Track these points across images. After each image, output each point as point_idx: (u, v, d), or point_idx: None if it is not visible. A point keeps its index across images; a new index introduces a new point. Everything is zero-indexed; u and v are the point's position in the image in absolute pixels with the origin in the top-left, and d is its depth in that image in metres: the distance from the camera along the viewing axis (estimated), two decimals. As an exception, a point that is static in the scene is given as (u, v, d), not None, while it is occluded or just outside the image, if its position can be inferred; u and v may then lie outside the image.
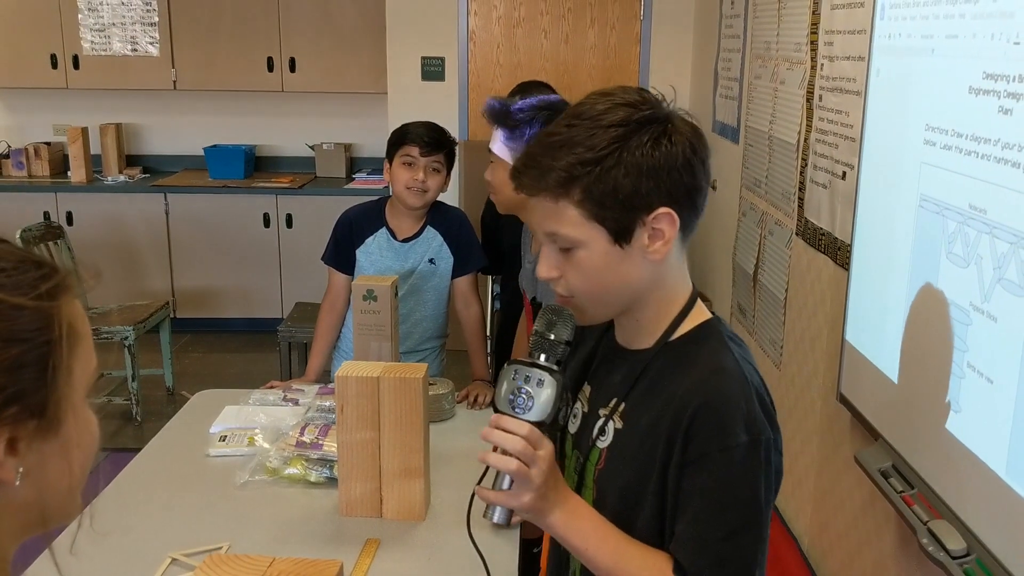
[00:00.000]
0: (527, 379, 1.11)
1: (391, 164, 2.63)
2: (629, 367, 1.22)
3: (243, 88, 5.71)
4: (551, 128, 1.14)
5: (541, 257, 1.18)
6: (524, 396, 1.10)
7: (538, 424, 1.09)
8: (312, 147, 5.90)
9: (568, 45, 5.32)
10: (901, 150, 2.21)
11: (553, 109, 2.07)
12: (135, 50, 5.58)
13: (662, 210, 1.13)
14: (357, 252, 2.67)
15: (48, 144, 5.79)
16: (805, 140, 3.13)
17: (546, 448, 1.09)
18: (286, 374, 4.27)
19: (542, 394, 1.10)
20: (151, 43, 5.57)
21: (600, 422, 1.23)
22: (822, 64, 2.97)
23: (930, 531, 1.91)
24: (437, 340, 2.77)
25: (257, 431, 2.24)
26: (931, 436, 2.01)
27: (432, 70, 5.32)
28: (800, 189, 3.17)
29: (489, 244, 2.92)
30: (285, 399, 2.45)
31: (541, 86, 3.06)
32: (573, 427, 1.29)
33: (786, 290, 3.33)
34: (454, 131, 5.33)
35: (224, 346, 5.55)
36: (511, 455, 1.08)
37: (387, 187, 5.41)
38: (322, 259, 2.76)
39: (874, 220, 2.41)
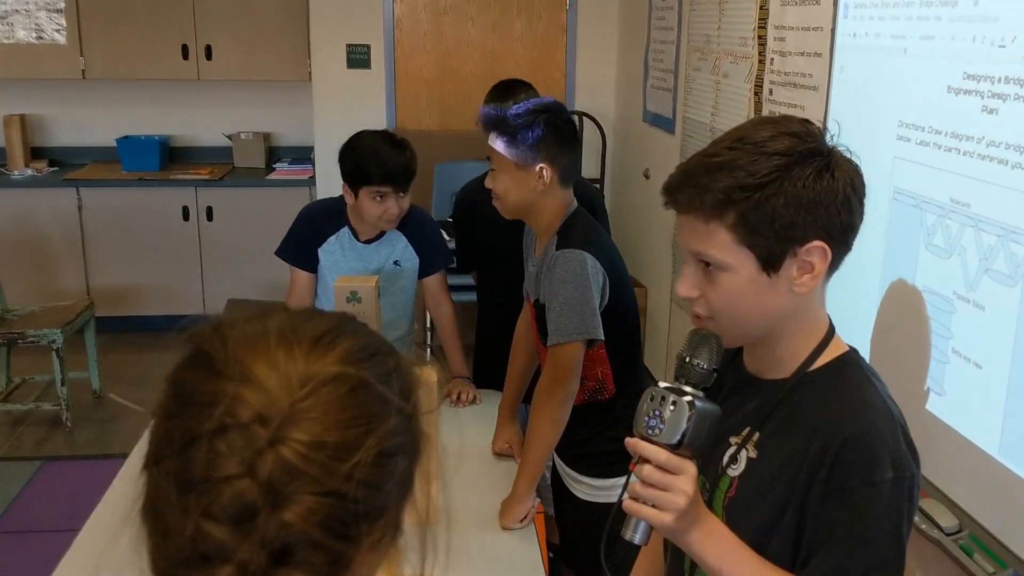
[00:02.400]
0: (663, 402, 1.10)
1: (355, 193, 2.50)
2: (765, 397, 1.21)
3: (157, 77, 5.50)
4: (711, 148, 1.14)
5: (682, 275, 1.18)
6: (658, 419, 1.10)
7: (674, 447, 1.09)
8: (229, 137, 5.73)
9: (495, 34, 5.32)
10: (871, 145, 2.30)
11: (551, 112, 2.08)
12: (40, 38, 5.30)
13: (816, 243, 1.12)
14: (319, 251, 2.61)
15: (-56, 136, 5.46)
16: (754, 132, 3.22)
17: (688, 472, 1.09)
18: (225, 373, 4.15)
19: (676, 418, 1.09)
20: (57, 30, 5.30)
21: (732, 450, 1.23)
22: (772, 59, 3.06)
23: (921, 510, 2.01)
24: (406, 338, 2.76)
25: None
26: (909, 418, 2.11)
27: (358, 57, 5.24)
28: (749, 179, 3.26)
29: (465, 244, 2.90)
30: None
31: (522, 84, 3.04)
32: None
33: (735, 277, 3.43)
34: (381, 120, 5.29)
35: (147, 345, 5.34)
36: (650, 483, 1.09)
37: (312, 177, 5.36)
38: (276, 253, 2.68)
39: (839, 211, 2.50)
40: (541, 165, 2.05)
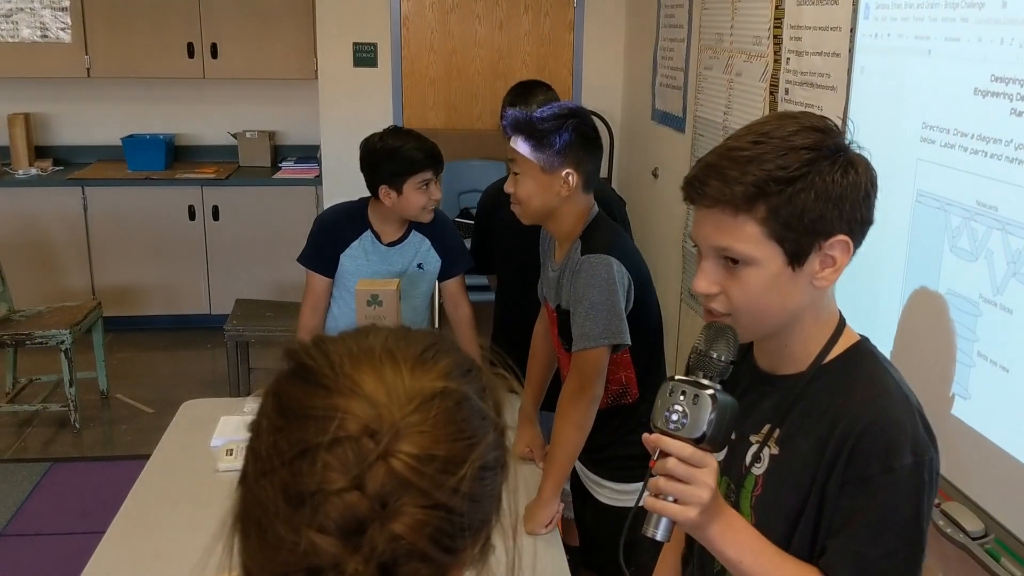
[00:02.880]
0: (684, 395, 1.10)
1: (399, 190, 2.50)
2: (782, 393, 1.22)
3: (162, 75, 5.47)
4: (733, 143, 1.14)
5: (700, 271, 1.17)
6: (679, 414, 1.09)
7: (696, 441, 1.09)
8: (235, 135, 5.71)
9: (503, 31, 5.30)
10: (893, 146, 2.29)
11: (578, 116, 2.06)
12: (45, 36, 5.27)
13: (840, 238, 1.14)
14: (342, 256, 2.60)
15: (-52, 136, 5.43)
16: (768, 131, 3.21)
17: (710, 466, 1.09)
18: (234, 376, 4.14)
19: (699, 411, 1.08)
20: (62, 29, 5.27)
21: (754, 449, 1.23)
22: (788, 58, 3.05)
23: (945, 513, 2.01)
24: None
25: (265, 443, 2.18)
26: (934, 421, 2.10)
27: (364, 56, 5.22)
28: (763, 179, 3.25)
29: (481, 244, 2.88)
30: (283, 407, 2.39)
31: (540, 85, 3.02)
32: (720, 454, 1.29)
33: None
34: (388, 118, 5.27)
35: (152, 345, 5.34)
36: (674, 477, 1.08)
37: (318, 176, 5.33)
38: (299, 260, 2.67)
39: (859, 212, 2.49)
40: (567, 170, 2.04)
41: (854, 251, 1.17)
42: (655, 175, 4.71)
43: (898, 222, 2.25)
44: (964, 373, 1.99)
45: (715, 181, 1.12)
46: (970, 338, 1.97)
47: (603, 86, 5.35)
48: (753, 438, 1.24)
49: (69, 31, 5.27)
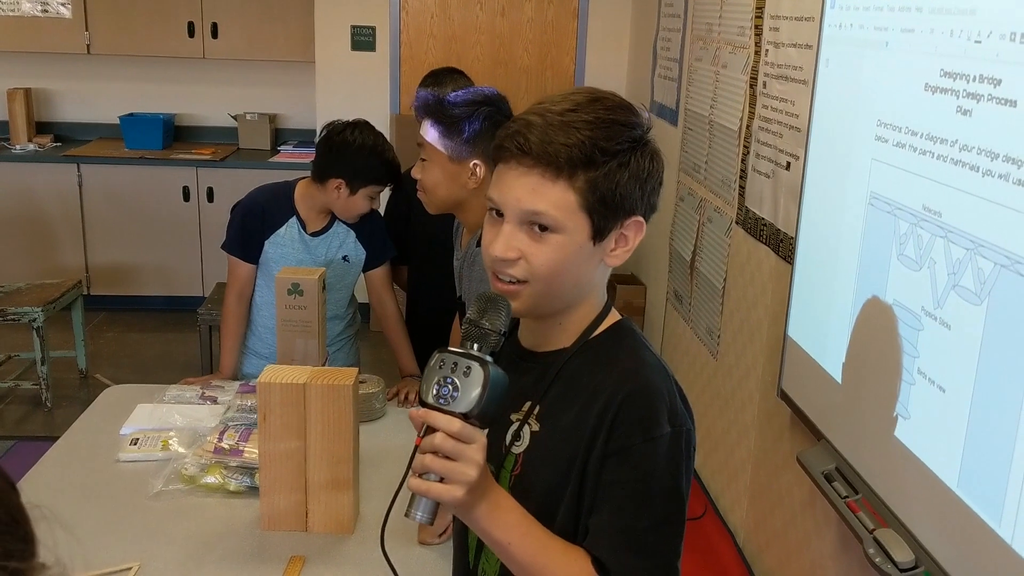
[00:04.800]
0: (454, 368, 1.03)
1: (352, 191, 2.41)
2: (542, 369, 1.19)
3: (162, 54, 5.43)
4: (556, 107, 1.10)
5: (500, 234, 1.11)
6: (450, 387, 1.02)
7: (465, 415, 1.02)
8: (235, 117, 5.66)
9: (504, 18, 5.17)
10: (850, 144, 2.14)
11: (492, 104, 1.93)
12: (45, 11, 5.25)
13: (638, 218, 1.15)
14: (266, 243, 2.49)
15: (-51, 109, 5.44)
16: (748, 127, 3.06)
17: (478, 442, 1.03)
18: (206, 360, 4.08)
19: (470, 384, 1.02)
20: (63, 4, 5.24)
21: (514, 427, 1.19)
22: (767, 50, 2.90)
23: (876, 540, 1.87)
24: (349, 331, 2.65)
25: (172, 434, 2.09)
26: (878, 441, 1.96)
27: (362, 40, 5.13)
28: (741, 177, 3.11)
29: (400, 234, 2.70)
30: (203, 397, 2.30)
31: (454, 73, 2.89)
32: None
33: (724, 279, 3.28)
34: (385, 104, 5.18)
35: (142, 325, 5.31)
36: (441, 453, 1.02)
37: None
38: (223, 247, 2.54)
39: (820, 215, 2.34)
40: (476, 161, 1.91)
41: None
42: (650, 170, 4.56)
43: (852, 225, 2.11)
44: (906, 392, 1.85)
45: (539, 140, 1.08)
46: (912, 354, 1.83)
47: (606, 76, 5.20)
48: (513, 416, 1.19)
49: (69, 6, 5.24)
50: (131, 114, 5.56)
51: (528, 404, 1.18)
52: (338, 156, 2.41)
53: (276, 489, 1.78)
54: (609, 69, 5.20)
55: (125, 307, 5.44)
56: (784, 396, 2.53)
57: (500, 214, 1.12)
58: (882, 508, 1.94)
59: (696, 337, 3.64)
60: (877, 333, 2.00)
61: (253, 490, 1.88)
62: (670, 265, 4.08)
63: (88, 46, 5.33)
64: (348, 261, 2.52)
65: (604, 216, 1.11)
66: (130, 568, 1.66)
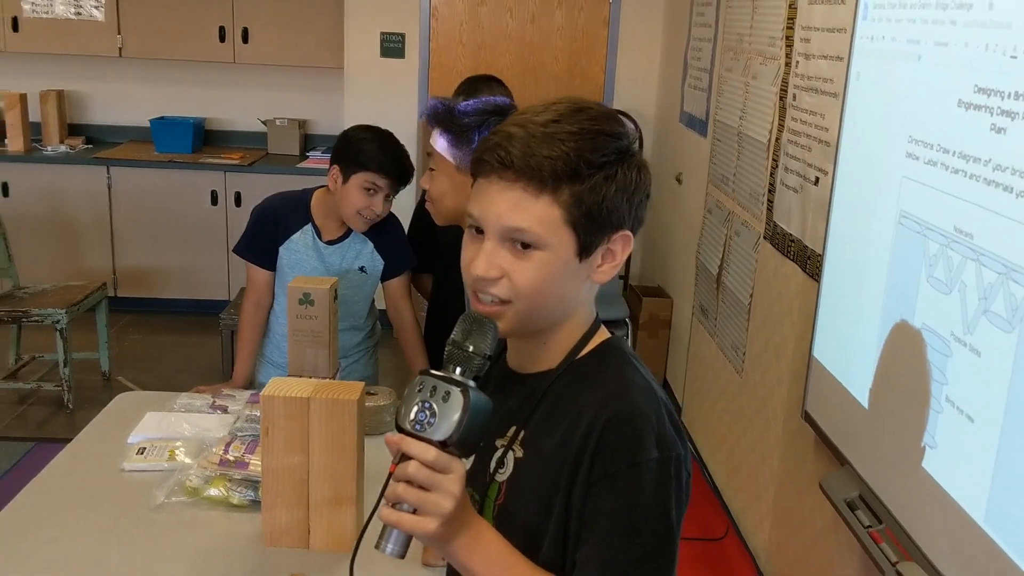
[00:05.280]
0: (433, 392, 0.98)
1: (344, 179, 2.36)
2: (527, 391, 1.13)
3: (193, 58, 5.45)
4: (538, 117, 1.05)
5: (481, 252, 1.06)
6: (428, 412, 0.98)
7: (443, 443, 0.97)
8: (264, 122, 5.66)
9: (534, 25, 5.13)
10: (881, 161, 2.07)
11: (502, 113, 1.88)
12: (79, 13, 5.28)
13: (625, 233, 1.10)
14: (281, 249, 2.46)
15: (-15, 110, 5.49)
16: (776, 140, 2.99)
17: (456, 472, 0.98)
18: (227, 365, 4.06)
19: (448, 410, 0.97)
20: (96, 7, 5.27)
21: (498, 454, 1.14)
22: (797, 61, 2.83)
23: (899, 574, 1.79)
24: (368, 341, 2.60)
25: (179, 444, 2.06)
26: (903, 470, 1.89)
27: (392, 47, 5.11)
28: (770, 191, 3.03)
29: (426, 244, 2.64)
30: (213, 406, 2.27)
31: (491, 81, 2.83)
32: (468, 461, 1.19)
33: (751, 295, 3.20)
34: (413, 111, 5.16)
35: (166, 328, 5.32)
36: (415, 483, 0.97)
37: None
38: (235, 251, 2.53)
39: (849, 232, 2.27)
40: None
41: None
42: (679, 181, 4.50)
43: (881, 245, 2.03)
44: (933, 420, 1.77)
45: (522, 153, 1.03)
46: (940, 380, 1.76)
47: (637, 85, 5.14)
48: (499, 442, 1.14)
49: (102, 9, 5.28)
50: (162, 117, 5.58)
51: (513, 429, 1.13)
52: (340, 146, 2.40)
53: (278, 504, 1.74)
54: (639, 78, 5.14)
55: (151, 309, 5.45)
56: (808, 418, 2.46)
57: (480, 231, 1.07)
58: (906, 540, 1.86)
59: (721, 353, 3.57)
60: (905, 358, 1.92)
61: (257, 504, 1.84)
62: (696, 278, 4.00)
63: (120, 49, 5.36)
64: (365, 272, 2.47)
65: (590, 231, 1.06)
66: (127, 583, 1.62)
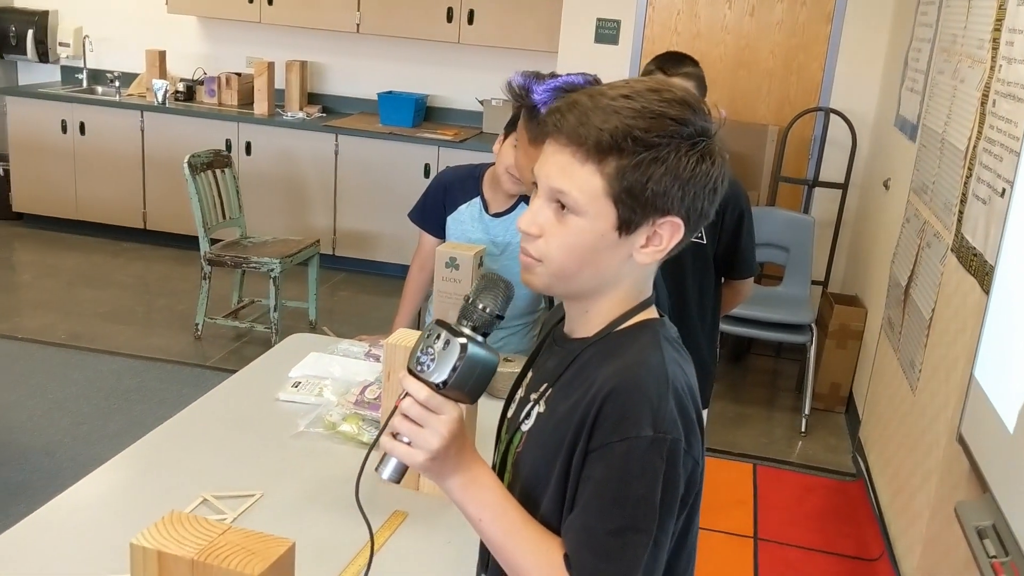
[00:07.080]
0: (437, 339, 1.08)
1: (503, 140, 2.43)
2: (565, 354, 1.19)
3: (422, 36, 5.77)
4: (607, 89, 1.09)
5: (530, 209, 1.12)
6: (428, 357, 1.07)
7: (438, 386, 1.07)
8: (481, 101, 5.90)
9: (753, 18, 5.03)
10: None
11: (575, 91, 1.92)
12: (322, -10, 5.75)
13: (673, 219, 1.09)
14: (448, 218, 2.59)
15: (239, 75, 6.07)
16: (974, 148, 2.81)
17: (448, 414, 1.07)
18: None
19: (446, 357, 1.07)
20: (341, -16, 5.72)
21: (529, 406, 1.21)
22: (1000, 65, 2.65)
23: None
24: (529, 316, 2.69)
25: (328, 382, 2.26)
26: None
27: (606, 32, 5.18)
28: (961, 201, 2.86)
29: None
30: (368, 354, 2.46)
31: (682, 58, 2.80)
32: (511, 412, 1.28)
33: (933, 310, 3.04)
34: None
35: (376, 289, 5.69)
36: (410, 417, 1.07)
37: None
38: (408, 215, 2.70)
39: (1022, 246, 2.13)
40: None
41: (683, 239, 1.11)
42: (886, 187, 4.29)
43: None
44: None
45: (576, 120, 1.07)
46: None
47: (856, 86, 4.93)
48: (533, 396, 1.21)
49: (345, -13, 5.69)
50: (388, 92, 5.95)
51: (544, 386, 1.19)
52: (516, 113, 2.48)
53: (393, 446, 1.88)
54: (859, 78, 4.93)
55: (363, 270, 5.86)
56: (961, 440, 2.33)
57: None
58: (1028, 575, 1.75)
59: (900, 369, 3.40)
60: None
61: (382, 444, 2.00)
62: (888, 289, 3.82)
63: (358, 25, 5.76)
64: None
65: (631, 208, 1.07)
66: (253, 495, 1.82)
